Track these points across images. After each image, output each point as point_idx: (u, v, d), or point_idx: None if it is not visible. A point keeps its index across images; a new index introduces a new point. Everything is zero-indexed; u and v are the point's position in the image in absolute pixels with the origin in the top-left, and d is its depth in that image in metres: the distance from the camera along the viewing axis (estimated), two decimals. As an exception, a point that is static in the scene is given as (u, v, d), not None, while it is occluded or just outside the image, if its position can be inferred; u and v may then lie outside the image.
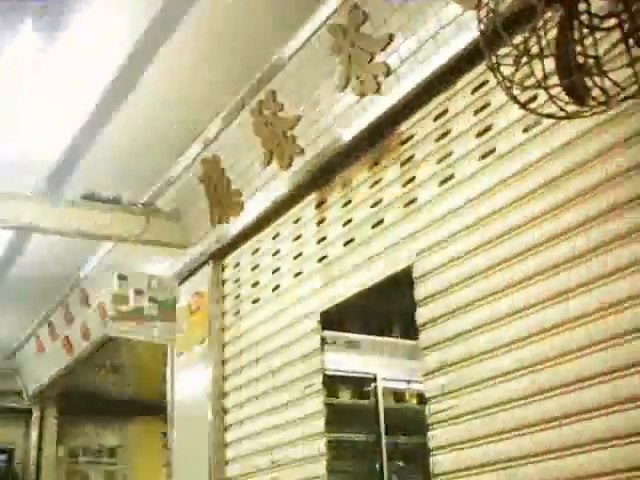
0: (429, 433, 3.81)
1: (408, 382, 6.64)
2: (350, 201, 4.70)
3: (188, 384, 6.21)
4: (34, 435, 10.64)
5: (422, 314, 3.98)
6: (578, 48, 2.51)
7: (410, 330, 4.17)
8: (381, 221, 4.41)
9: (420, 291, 4.00)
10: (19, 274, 7.72)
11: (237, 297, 5.83)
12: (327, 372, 4.94)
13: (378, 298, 5.06)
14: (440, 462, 3.72)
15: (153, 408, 9.50)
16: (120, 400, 10.66)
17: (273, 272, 5.41)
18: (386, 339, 6.68)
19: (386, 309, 6.28)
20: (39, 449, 10.51)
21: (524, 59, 2.58)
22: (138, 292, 6.11)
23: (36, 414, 10.70)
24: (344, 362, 6.20)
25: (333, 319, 5.05)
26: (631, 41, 2.47)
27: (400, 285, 4.22)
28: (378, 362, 6.56)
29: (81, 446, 10.88)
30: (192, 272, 6.26)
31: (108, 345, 8.13)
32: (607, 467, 2.94)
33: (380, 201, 4.43)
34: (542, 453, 3.22)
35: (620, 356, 2.95)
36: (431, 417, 3.81)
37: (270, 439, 5.17)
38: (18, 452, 10.93)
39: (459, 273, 3.78)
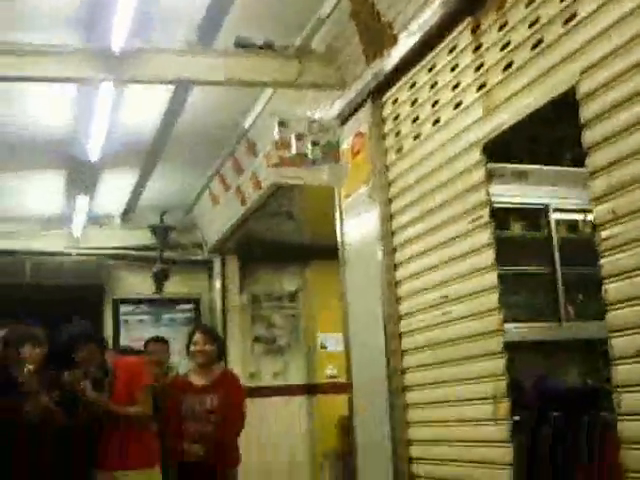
0: (601, 261, 3.66)
1: (582, 211, 6.38)
2: (506, 23, 4.42)
3: (356, 225, 6.22)
4: (218, 284, 11.05)
5: (589, 136, 3.76)
6: None
7: (581, 157, 3.94)
8: (540, 41, 4.14)
9: (586, 112, 3.77)
10: (184, 130, 7.84)
11: (398, 134, 5.70)
12: (496, 205, 4.80)
13: (545, 124, 4.82)
14: (613, 290, 3.58)
15: (329, 251, 9.63)
16: (297, 245, 10.87)
17: (432, 105, 5.23)
18: (556, 168, 6.40)
19: (555, 136, 6.01)
20: (223, 297, 10.93)
21: None
22: (300, 137, 6.04)
23: (218, 264, 11.08)
24: (513, 194, 6.01)
25: (499, 150, 4.84)
26: None
27: (567, 109, 3.99)
28: (549, 192, 6.31)
29: (263, 292, 11.20)
30: (352, 113, 6.15)
31: (279, 192, 8.22)
32: None
33: (538, 19, 4.14)
34: None
35: None
36: (602, 244, 3.65)
37: (440, 274, 5.13)
38: (204, 301, 11.40)
39: (627, 90, 3.53)
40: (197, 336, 6.55)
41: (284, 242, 10.68)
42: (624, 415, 3.54)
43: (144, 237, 10.95)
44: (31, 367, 5.65)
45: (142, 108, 7.48)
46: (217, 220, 10.18)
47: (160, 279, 10.63)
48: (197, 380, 6.48)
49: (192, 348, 6.52)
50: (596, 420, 4.77)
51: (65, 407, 5.61)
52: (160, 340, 7.47)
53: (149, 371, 6.33)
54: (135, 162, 8.85)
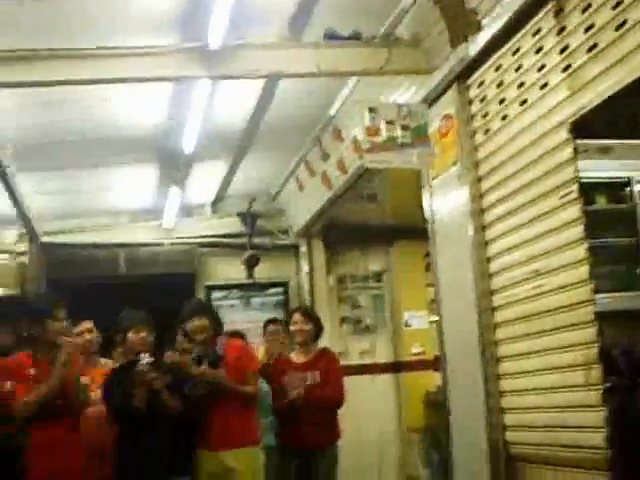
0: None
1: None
2: (590, 5, 4.62)
3: (446, 205, 6.45)
4: (305, 267, 11.32)
5: (676, 112, 3.96)
6: None
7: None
8: (624, 22, 4.32)
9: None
10: (273, 120, 8.05)
11: (485, 115, 5.92)
12: (581, 180, 4.97)
13: (627, 101, 4.98)
14: None
15: (413, 232, 9.86)
16: (381, 227, 11.12)
17: (518, 87, 5.43)
18: (638, 142, 6.55)
19: (636, 111, 6.14)
20: (310, 280, 11.22)
21: None
22: (389, 122, 6.27)
23: (304, 248, 11.36)
24: (597, 168, 6.17)
25: (583, 127, 5.03)
26: None
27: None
28: (632, 165, 6.47)
29: (348, 273, 11.47)
30: (438, 96, 6.37)
31: (365, 176, 8.45)
32: None
33: (621, 2, 4.33)
34: None
35: None
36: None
37: (530, 249, 5.35)
38: (292, 284, 11.70)
39: None
40: (296, 316, 6.87)
41: (368, 224, 10.93)
42: None
43: (233, 225, 11.27)
44: (147, 357, 5.86)
45: (234, 101, 7.77)
46: (303, 205, 10.46)
47: (251, 265, 10.93)
48: (297, 358, 6.80)
49: (292, 328, 6.84)
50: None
51: (175, 391, 5.81)
52: (277, 321, 7.81)
53: (257, 356, 6.67)
54: (225, 153, 9.16)
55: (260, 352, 7.40)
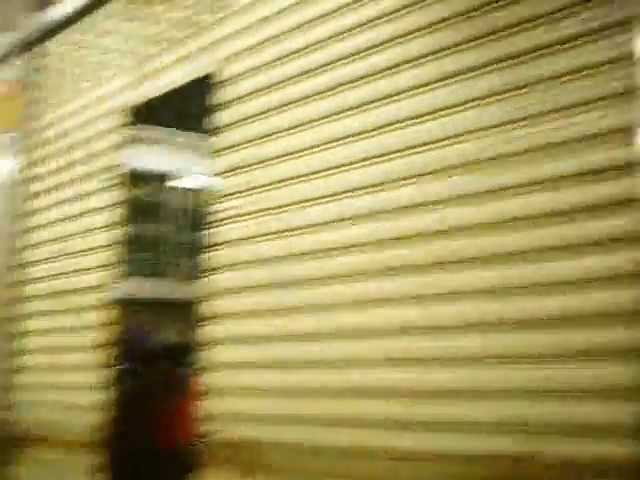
0: (209, 230, 4.01)
1: (205, 179, 6.74)
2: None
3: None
4: None
5: (220, 117, 4.10)
6: None
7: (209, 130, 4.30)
8: (193, 24, 4.45)
9: (222, 96, 4.11)
10: None
11: (54, 86, 5.77)
12: (126, 167, 5.02)
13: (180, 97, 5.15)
14: (213, 257, 3.99)
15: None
16: None
17: (78, 65, 5.43)
18: (186, 137, 6.74)
19: (187, 109, 6.32)
20: None
21: None
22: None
23: None
24: (143, 158, 6.27)
25: (140, 114, 5.07)
26: None
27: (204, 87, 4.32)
28: (174, 159, 6.66)
29: None
30: (5, 59, 6.14)
31: None
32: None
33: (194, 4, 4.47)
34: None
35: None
36: (213, 215, 4.01)
37: (65, 228, 5.33)
38: None
39: (263, 80, 3.91)
40: None
41: None
42: (204, 368, 3.94)
43: None
44: None
45: None
46: None
47: None
48: None
49: None
50: (173, 373, 5.25)
51: None
52: None
53: None
54: None
55: None
